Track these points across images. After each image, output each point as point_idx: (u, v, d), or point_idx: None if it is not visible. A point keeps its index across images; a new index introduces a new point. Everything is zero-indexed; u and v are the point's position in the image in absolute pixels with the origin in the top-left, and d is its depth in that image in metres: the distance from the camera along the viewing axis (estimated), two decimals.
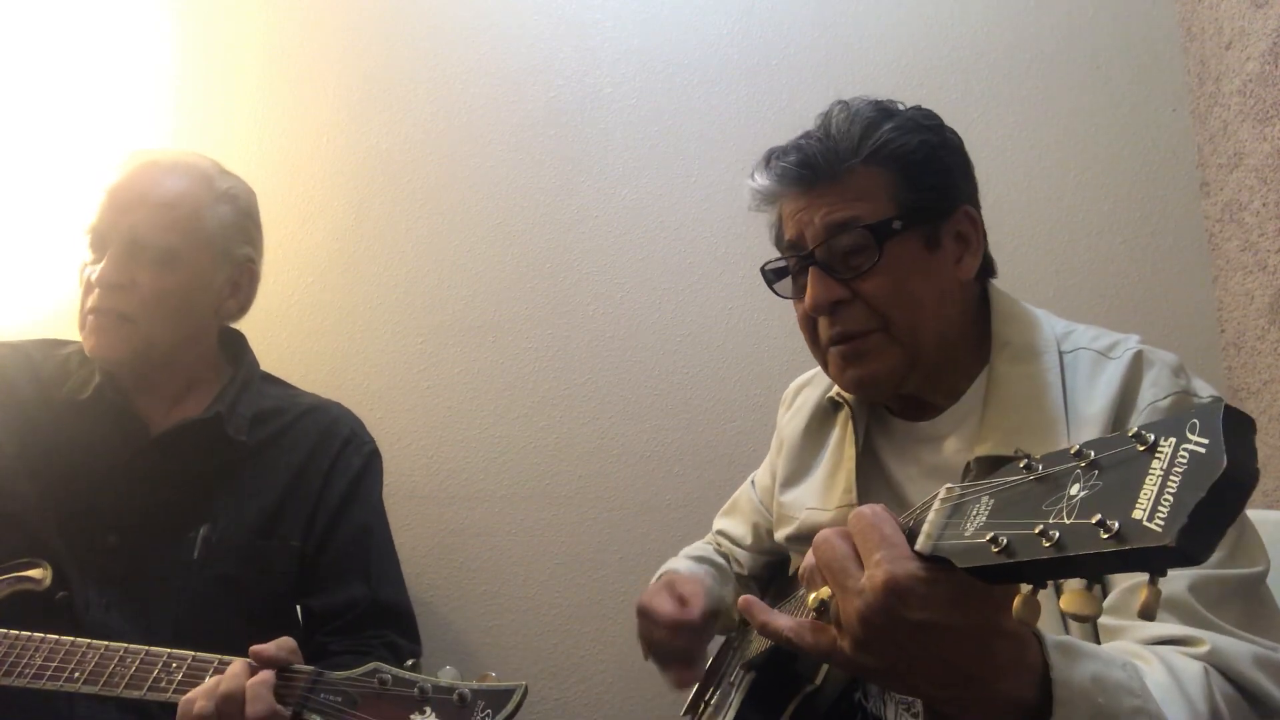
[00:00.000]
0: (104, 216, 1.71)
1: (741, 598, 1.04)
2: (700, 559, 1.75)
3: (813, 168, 1.32)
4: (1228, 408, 0.58)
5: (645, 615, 1.55)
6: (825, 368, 1.40)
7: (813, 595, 0.89)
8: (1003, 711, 0.83)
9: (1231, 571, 1.10)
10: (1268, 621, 1.09)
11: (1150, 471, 0.59)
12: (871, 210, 1.29)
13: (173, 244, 1.70)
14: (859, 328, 1.31)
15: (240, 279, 1.84)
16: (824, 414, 1.56)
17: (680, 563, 1.74)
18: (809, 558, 0.89)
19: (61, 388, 1.75)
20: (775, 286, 1.44)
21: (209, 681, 1.29)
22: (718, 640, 1.68)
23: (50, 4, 2.54)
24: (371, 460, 1.90)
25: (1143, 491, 0.58)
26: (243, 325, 1.93)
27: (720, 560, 1.76)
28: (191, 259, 1.73)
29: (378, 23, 2.55)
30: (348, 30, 2.55)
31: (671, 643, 1.50)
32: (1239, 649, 1.02)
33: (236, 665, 1.29)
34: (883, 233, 1.28)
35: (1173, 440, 0.59)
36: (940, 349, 1.33)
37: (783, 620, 0.95)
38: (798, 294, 1.38)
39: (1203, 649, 1.02)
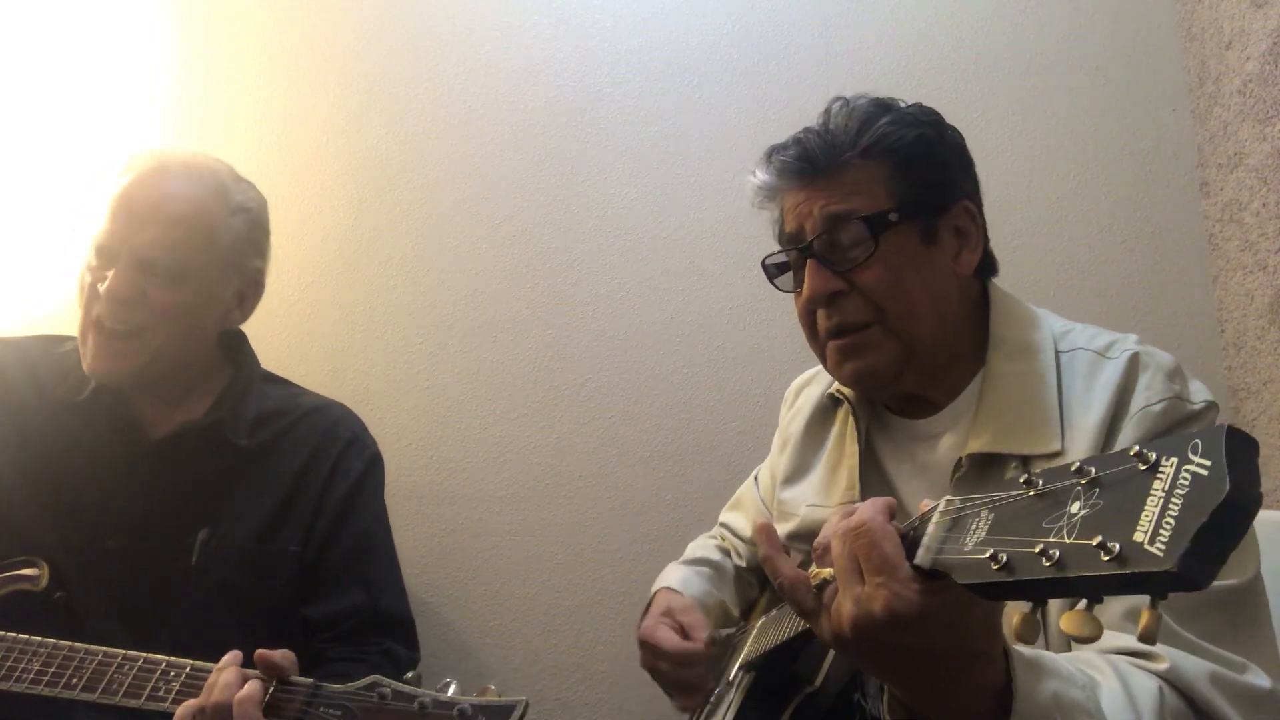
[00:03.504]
0: (113, 231, 1.66)
1: (760, 524, 1.05)
2: (698, 560, 1.75)
3: (811, 160, 1.33)
4: (1230, 429, 0.58)
5: (648, 648, 1.55)
6: (824, 362, 1.42)
7: (816, 571, 0.92)
8: (964, 715, 0.86)
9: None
10: (1245, 634, 1.10)
11: (1152, 492, 0.59)
12: (868, 203, 1.31)
13: (184, 261, 1.67)
14: (856, 319, 1.32)
15: (247, 290, 1.82)
16: (824, 411, 1.57)
17: (675, 575, 1.72)
18: (825, 533, 0.91)
19: (58, 388, 1.73)
20: (776, 281, 1.45)
21: (194, 703, 1.28)
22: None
23: (51, 4, 2.53)
24: (373, 464, 1.88)
25: (1144, 513, 0.58)
26: (244, 324, 1.92)
27: (720, 557, 1.76)
28: (202, 275, 1.70)
29: (378, 23, 2.54)
30: (348, 30, 2.54)
31: (677, 673, 1.51)
32: (1196, 668, 1.03)
33: (229, 675, 1.27)
34: (879, 224, 1.30)
35: (1174, 460, 0.59)
36: (937, 344, 1.34)
37: (786, 568, 0.97)
38: (797, 287, 1.39)
39: (1161, 666, 1.03)
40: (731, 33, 2.47)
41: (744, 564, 1.74)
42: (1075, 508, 0.64)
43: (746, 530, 1.75)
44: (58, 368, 1.76)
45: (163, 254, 1.65)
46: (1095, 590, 0.61)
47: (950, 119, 1.42)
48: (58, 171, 2.43)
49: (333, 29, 2.55)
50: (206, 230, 1.70)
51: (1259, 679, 1.05)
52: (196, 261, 1.69)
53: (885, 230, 1.30)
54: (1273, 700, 1.05)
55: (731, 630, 1.65)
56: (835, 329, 1.34)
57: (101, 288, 1.64)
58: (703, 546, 1.81)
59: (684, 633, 1.53)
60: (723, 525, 1.84)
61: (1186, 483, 0.57)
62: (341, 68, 2.54)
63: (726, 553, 1.77)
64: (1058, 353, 1.31)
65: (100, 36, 2.53)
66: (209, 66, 2.55)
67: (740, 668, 1.45)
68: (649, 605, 1.69)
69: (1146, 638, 0.59)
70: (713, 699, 1.50)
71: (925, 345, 1.33)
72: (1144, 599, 1.04)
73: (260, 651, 1.28)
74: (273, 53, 2.55)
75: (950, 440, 1.36)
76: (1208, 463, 0.57)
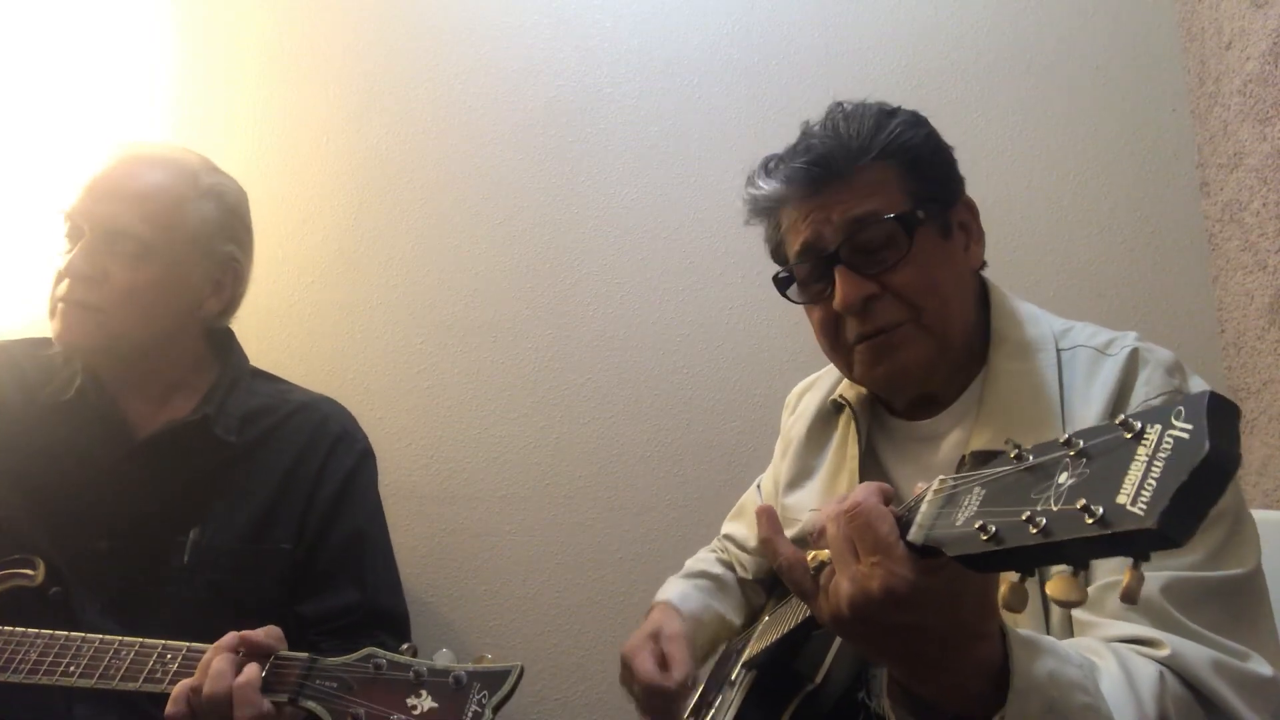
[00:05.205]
0: (80, 206, 1.68)
1: (760, 507, 1.05)
2: (697, 574, 1.74)
3: (826, 166, 1.31)
4: (1212, 394, 0.59)
5: (626, 667, 1.54)
6: (848, 369, 1.39)
7: (813, 554, 0.93)
8: (960, 694, 0.87)
9: (1211, 574, 1.10)
10: (1247, 624, 1.09)
11: (1136, 457, 0.60)
12: (886, 203, 1.30)
13: (147, 236, 1.67)
14: (889, 321, 1.30)
15: (223, 278, 1.80)
16: (826, 417, 1.56)
17: (674, 589, 1.71)
18: (819, 516, 0.92)
19: (45, 389, 1.72)
20: (788, 293, 1.42)
21: (185, 685, 1.27)
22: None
23: (51, 4, 2.54)
24: (364, 459, 1.86)
25: (1128, 477, 0.59)
26: (243, 325, 1.92)
27: (720, 570, 1.75)
28: (167, 254, 1.70)
29: (378, 22, 2.55)
30: (348, 30, 2.55)
31: (648, 701, 1.50)
32: (1198, 654, 1.03)
33: (221, 662, 1.26)
34: (911, 223, 1.29)
35: (1158, 427, 0.60)
36: (962, 339, 1.34)
37: (785, 549, 0.97)
38: (816, 298, 1.37)
39: (1163, 652, 1.02)
40: (731, 33, 2.48)
41: (749, 575, 1.73)
42: (1063, 478, 0.64)
43: (751, 540, 1.73)
44: (44, 369, 1.75)
45: (125, 227, 1.66)
46: (1081, 553, 0.62)
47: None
48: (57, 172, 2.43)
49: (333, 29, 2.56)
50: (172, 207, 1.71)
51: (1261, 667, 1.05)
52: (160, 238, 1.69)
53: (917, 228, 1.29)
54: (1275, 687, 1.04)
55: (728, 643, 1.65)
56: (870, 332, 1.31)
57: (64, 262, 1.66)
58: (702, 560, 1.80)
59: (664, 664, 1.50)
60: (726, 538, 1.83)
61: (1169, 447, 0.58)
62: (341, 68, 2.55)
63: (729, 565, 1.76)
64: (1059, 350, 1.31)
65: (100, 36, 2.54)
66: (209, 66, 2.56)
67: (743, 666, 1.45)
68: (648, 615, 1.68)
69: (1128, 597, 0.59)
70: (716, 700, 1.49)
71: (955, 340, 1.33)
72: (1149, 591, 1.06)
73: (244, 635, 1.28)
74: (273, 53, 2.56)
75: (953, 440, 1.35)
76: (1189, 426, 0.58)
